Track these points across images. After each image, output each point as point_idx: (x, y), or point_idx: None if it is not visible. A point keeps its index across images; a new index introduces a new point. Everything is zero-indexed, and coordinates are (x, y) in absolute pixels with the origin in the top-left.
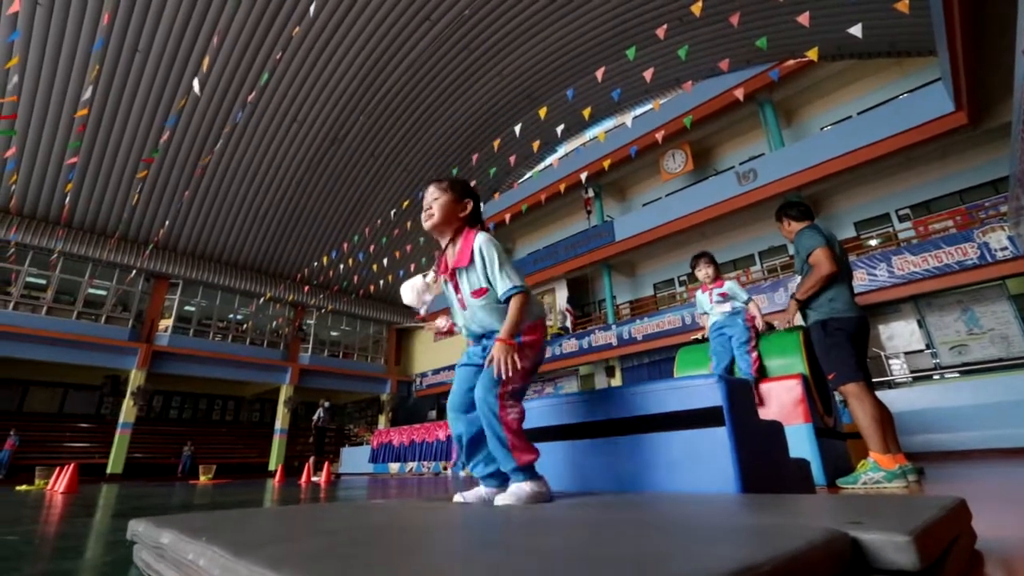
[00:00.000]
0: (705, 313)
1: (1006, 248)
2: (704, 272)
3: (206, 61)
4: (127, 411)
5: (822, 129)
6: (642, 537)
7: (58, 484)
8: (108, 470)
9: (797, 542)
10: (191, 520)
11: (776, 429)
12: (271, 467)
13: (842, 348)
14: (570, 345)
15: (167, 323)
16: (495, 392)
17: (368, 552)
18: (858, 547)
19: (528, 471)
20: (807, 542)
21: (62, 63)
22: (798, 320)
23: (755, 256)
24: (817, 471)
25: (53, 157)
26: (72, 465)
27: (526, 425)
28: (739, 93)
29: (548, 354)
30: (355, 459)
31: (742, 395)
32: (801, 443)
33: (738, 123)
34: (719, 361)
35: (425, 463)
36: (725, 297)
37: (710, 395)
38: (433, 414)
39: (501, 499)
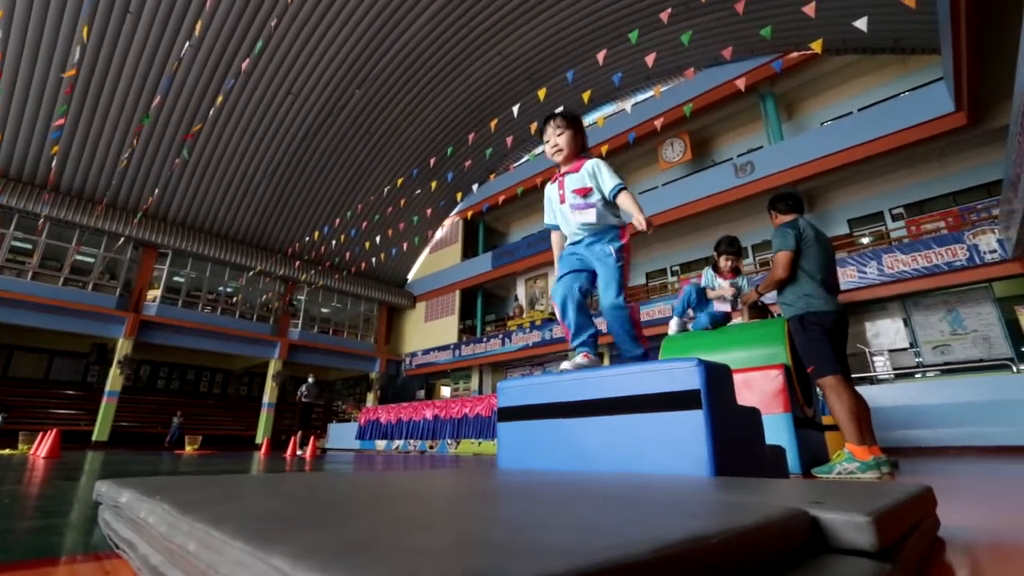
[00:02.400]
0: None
1: (995, 251)
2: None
3: (199, 25)
4: (113, 380)
5: (822, 124)
6: (598, 509)
7: (40, 449)
8: (94, 437)
9: (753, 517)
10: (152, 482)
11: (753, 416)
12: (258, 440)
13: (819, 342)
14: (561, 330)
15: (155, 293)
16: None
17: (316, 515)
18: (817, 526)
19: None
20: (763, 517)
21: (50, 21)
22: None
23: (748, 249)
24: (793, 460)
25: (40, 119)
26: (55, 431)
27: (505, 404)
28: (741, 83)
29: (538, 338)
30: (342, 435)
31: (720, 380)
32: (779, 432)
33: (738, 114)
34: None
35: (412, 441)
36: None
37: (688, 378)
38: (422, 393)
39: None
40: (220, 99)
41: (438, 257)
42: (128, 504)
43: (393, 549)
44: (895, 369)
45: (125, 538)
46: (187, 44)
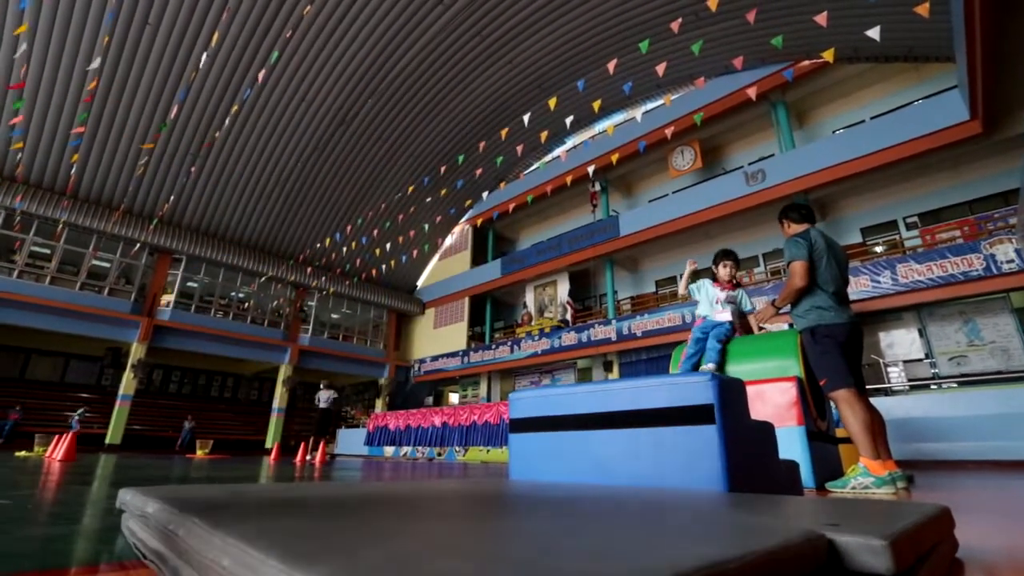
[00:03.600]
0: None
1: (1012, 261)
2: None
3: (216, 36)
4: (127, 383)
5: (834, 132)
6: (613, 529)
7: (56, 452)
8: (107, 440)
9: (770, 541)
10: (176, 491)
11: (767, 430)
12: (267, 445)
13: (831, 354)
14: (569, 338)
15: (169, 298)
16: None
17: (345, 532)
18: (834, 549)
19: None
20: (781, 541)
21: (72, 32)
22: (774, 326)
23: (759, 257)
24: (807, 474)
25: (61, 127)
26: (71, 433)
27: (518, 415)
28: (752, 92)
29: (546, 346)
30: (351, 441)
31: (734, 394)
32: (792, 445)
33: (749, 123)
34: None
35: (420, 448)
36: (732, 302)
37: (702, 392)
38: (430, 400)
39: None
40: (235, 108)
41: (447, 264)
42: (156, 515)
43: (425, 572)
44: (910, 380)
45: (153, 548)
46: (204, 55)
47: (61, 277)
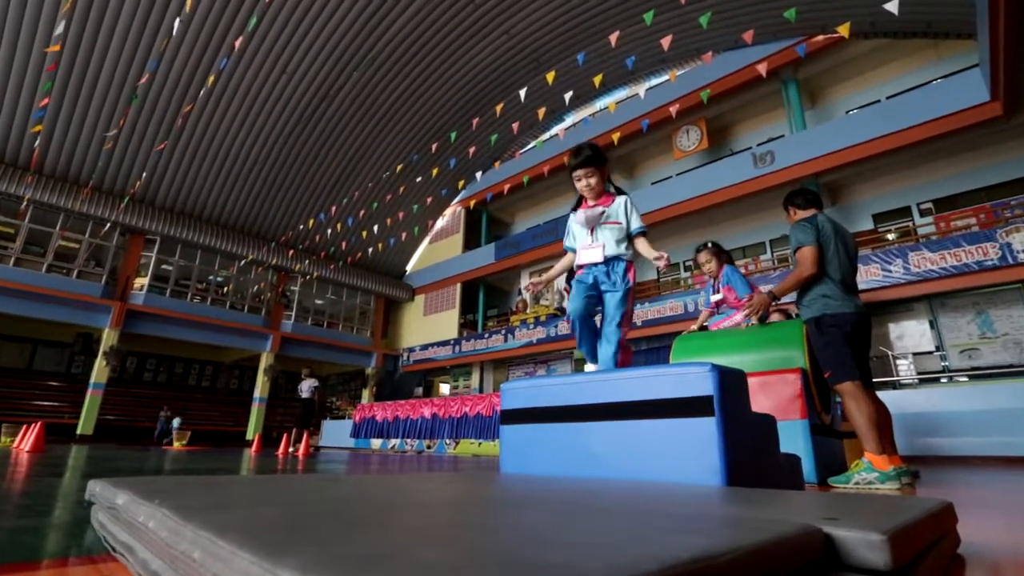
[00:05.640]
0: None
1: None
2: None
3: (189, 0)
4: (99, 371)
5: (847, 112)
6: (606, 522)
7: (24, 442)
8: (78, 431)
9: (764, 535)
10: (148, 483)
11: (768, 423)
12: (248, 436)
13: (837, 346)
14: (566, 327)
15: (142, 281)
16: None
17: (321, 524)
18: (831, 543)
19: None
20: (774, 535)
21: None
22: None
23: (766, 244)
24: (809, 468)
25: (23, 97)
26: (39, 423)
27: (510, 406)
28: (762, 68)
29: (542, 335)
30: (336, 433)
31: (734, 386)
32: (795, 439)
33: (758, 101)
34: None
35: (408, 441)
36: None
37: (701, 384)
38: (419, 391)
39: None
40: (211, 79)
41: (439, 248)
42: (125, 507)
43: (403, 564)
44: (919, 373)
45: (122, 541)
46: (177, 20)
47: (26, 258)
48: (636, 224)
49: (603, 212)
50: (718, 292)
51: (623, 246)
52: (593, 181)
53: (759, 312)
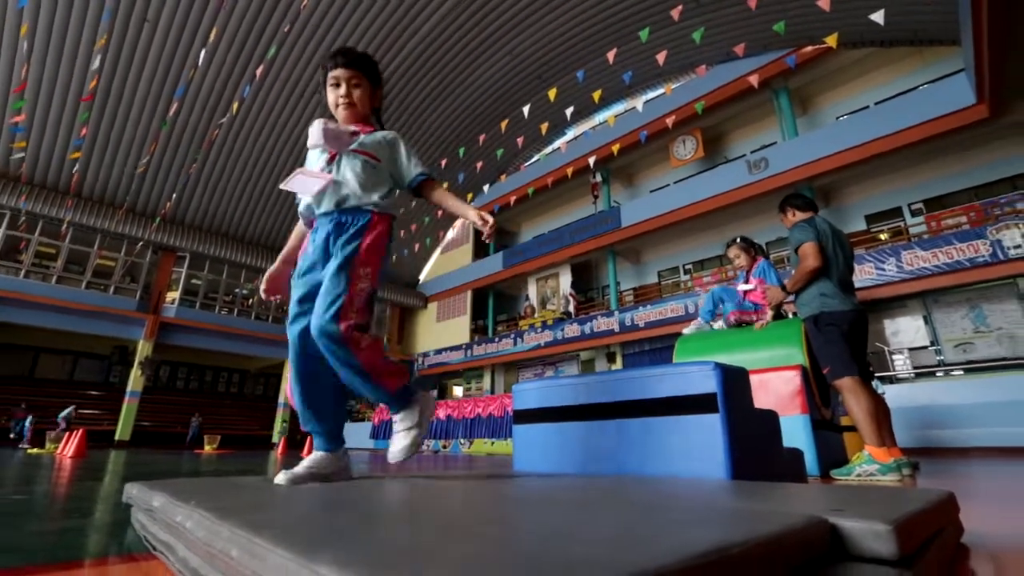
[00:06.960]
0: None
1: (1020, 246)
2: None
3: (214, 32)
4: (135, 380)
5: (838, 119)
6: (619, 517)
7: (67, 449)
8: (116, 437)
9: (773, 526)
10: (181, 485)
11: (771, 418)
12: (274, 439)
13: (835, 343)
14: (572, 330)
15: (174, 295)
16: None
17: (351, 522)
18: (837, 534)
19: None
20: (783, 526)
21: (71, 31)
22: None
23: (762, 247)
24: (811, 462)
25: (63, 127)
26: (81, 431)
27: (522, 406)
28: (754, 79)
29: (549, 338)
30: (357, 434)
31: (737, 383)
32: (797, 434)
33: (751, 110)
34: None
35: (425, 441)
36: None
37: (704, 382)
38: (434, 393)
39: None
40: (235, 105)
41: (449, 257)
42: (162, 508)
43: (436, 559)
44: (915, 368)
45: (163, 540)
46: (203, 51)
47: (67, 276)
48: (416, 168)
49: (356, 133)
50: (748, 282)
51: (376, 194)
52: (358, 93)
53: (774, 304)
